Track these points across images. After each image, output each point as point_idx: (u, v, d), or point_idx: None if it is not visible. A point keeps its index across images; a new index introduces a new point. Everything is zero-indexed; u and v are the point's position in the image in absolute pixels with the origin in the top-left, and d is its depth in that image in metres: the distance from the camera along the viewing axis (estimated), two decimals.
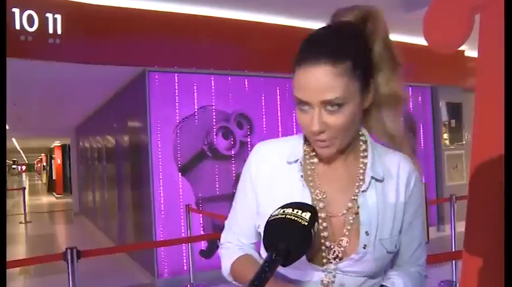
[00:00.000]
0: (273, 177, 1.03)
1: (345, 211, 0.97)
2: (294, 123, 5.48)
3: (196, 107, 4.95)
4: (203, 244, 4.93)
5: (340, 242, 0.96)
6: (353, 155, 1.02)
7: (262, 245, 0.85)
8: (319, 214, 0.92)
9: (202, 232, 4.89)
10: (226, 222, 1.16)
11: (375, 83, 0.98)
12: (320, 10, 4.78)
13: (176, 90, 4.86)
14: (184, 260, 4.79)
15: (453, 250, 4.16)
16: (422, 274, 1.09)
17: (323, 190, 0.99)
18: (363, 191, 0.97)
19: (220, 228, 5.32)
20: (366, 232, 0.95)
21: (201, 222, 4.91)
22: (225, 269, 1.10)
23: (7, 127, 9.70)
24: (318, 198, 0.98)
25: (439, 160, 6.76)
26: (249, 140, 5.20)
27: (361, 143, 1.03)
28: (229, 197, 5.06)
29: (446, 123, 6.80)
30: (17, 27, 3.93)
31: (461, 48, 2.30)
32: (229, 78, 5.13)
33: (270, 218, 0.83)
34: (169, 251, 4.73)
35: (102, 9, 4.32)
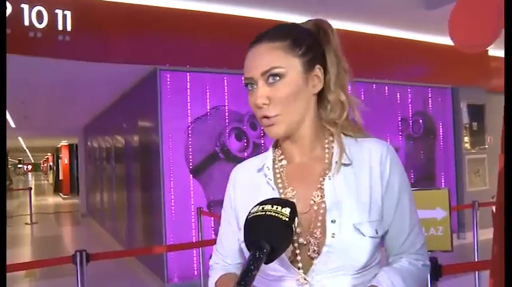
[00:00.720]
0: (246, 189, 1.07)
1: (311, 203, 0.97)
2: None
3: (208, 107, 4.86)
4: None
5: (314, 235, 0.94)
6: (320, 149, 1.03)
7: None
8: None
9: (213, 236, 4.78)
10: (214, 246, 1.19)
11: (325, 79, 1.01)
12: (343, 8, 4.68)
13: (188, 90, 4.78)
14: (195, 265, 4.69)
15: (476, 260, 4.00)
16: (418, 263, 1.02)
17: (292, 187, 1.00)
18: (329, 178, 0.97)
19: None
20: (332, 220, 0.93)
21: (213, 225, 4.81)
22: None
23: (13, 126, 9.66)
24: (288, 196, 0.99)
25: (460, 165, 6.57)
26: (262, 141, 5.07)
27: (326, 135, 1.04)
28: None
29: (468, 126, 6.62)
30: (26, 23, 3.87)
31: None
32: (243, 77, 5.00)
33: (249, 215, 0.81)
34: (179, 255, 4.62)
35: (113, 5, 4.26)
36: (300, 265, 0.94)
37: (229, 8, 4.65)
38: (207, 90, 4.85)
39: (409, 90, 6.27)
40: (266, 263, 0.78)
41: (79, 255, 2.74)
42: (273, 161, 1.05)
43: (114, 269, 5.23)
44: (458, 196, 6.51)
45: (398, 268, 0.99)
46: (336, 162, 0.98)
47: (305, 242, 0.94)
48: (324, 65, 1.01)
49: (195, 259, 4.67)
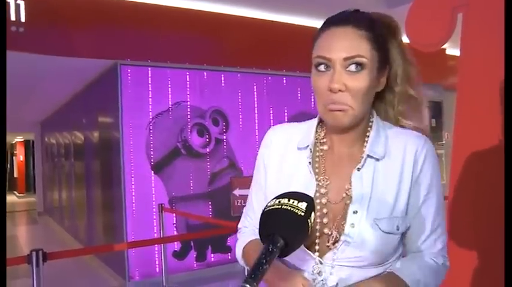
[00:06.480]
0: (282, 161, 1.05)
1: (344, 195, 0.96)
2: (271, 120, 5.38)
3: (170, 103, 4.80)
4: (176, 245, 4.79)
5: (340, 226, 0.94)
6: (361, 141, 1.01)
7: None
8: (320, 200, 0.96)
9: (175, 232, 4.76)
10: (244, 209, 1.17)
11: (390, 74, 1.03)
12: (298, 5, 4.72)
13: (149, 85, 4.71)
14: (157, 262, 4.65)
15: None
16: (439, 262, 1.01)
17: (327, 176, 0.99)
18: (358, 170, 0.96)
19: (193, 228, 5.12)
20: (355, 211, 0.93)
21: (174, 222, 4.77)
22: (238, 254, 1.11)
23: None
24: (321, 184, 0.98)
25: None
26: (224, 137, 5.07)
27: (368, 128, 1.02)
28: (204, 196, 4.95)
29: None
30: None
31: (443, 46, 2.24)
32: (205, 73, 5.00)
33: (265, 208, 0.81)
34: (140, 252, 4.56)
35: None
36: (317, 253, 0.94)
37: (191, 2, 4.60)
38: (169, 86, 4.79)
39: None
40: (281, 257, 0.77)
41: (35, 254, 2.64)
42: (314, 142, 1.03)
43: (73, 268, 5.10)
44: None
45: (415, 259, 0.99)
46: (368, 155, 0.97)
47: (329, 233, 0.94)
48: (388, 62, 1.01)
49: (156, 256, 4.62)
